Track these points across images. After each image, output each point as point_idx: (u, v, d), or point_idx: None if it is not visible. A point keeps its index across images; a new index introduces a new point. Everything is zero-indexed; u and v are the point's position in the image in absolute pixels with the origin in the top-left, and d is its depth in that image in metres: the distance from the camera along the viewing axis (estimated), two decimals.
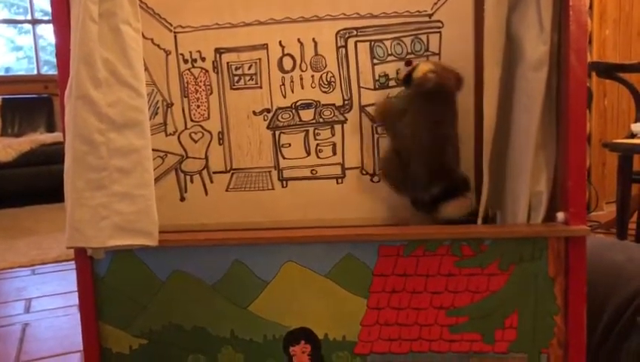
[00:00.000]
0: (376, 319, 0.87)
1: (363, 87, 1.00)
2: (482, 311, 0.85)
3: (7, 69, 5.08)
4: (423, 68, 0.90)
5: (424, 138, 0.91)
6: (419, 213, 0.95)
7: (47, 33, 5.11)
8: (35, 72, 5.00)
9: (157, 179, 0.99)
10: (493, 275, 0.84)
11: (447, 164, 0.91)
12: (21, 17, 5.08)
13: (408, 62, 0.97)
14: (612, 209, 2.82)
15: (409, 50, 0.99)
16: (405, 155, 0.93)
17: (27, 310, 1.84)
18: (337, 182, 1.02)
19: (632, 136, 2.02)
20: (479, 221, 0.90)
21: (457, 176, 0.93)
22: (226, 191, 1.03)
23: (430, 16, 0.99)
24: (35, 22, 5.02)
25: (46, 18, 5.04)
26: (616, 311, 0.94)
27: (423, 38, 0.99)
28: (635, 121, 2.19)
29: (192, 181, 1.03)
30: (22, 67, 5.17)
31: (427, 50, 0.99)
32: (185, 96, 1.01)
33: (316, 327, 0.88)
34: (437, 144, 0.91)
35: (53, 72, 4.89)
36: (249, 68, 1.00)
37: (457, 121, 0.93)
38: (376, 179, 1.00)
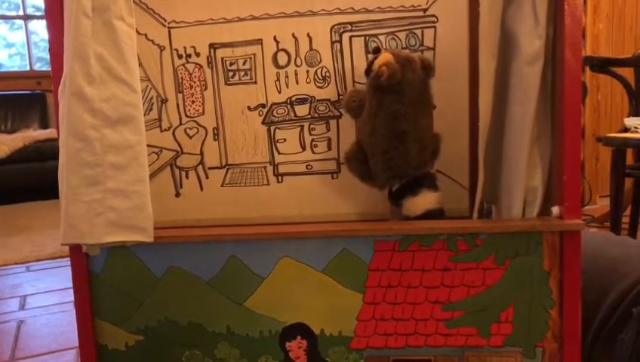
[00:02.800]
0: (372, 314, 0.87)
1: (358, 82, 0.99)
2: (478, 305, 0.85)
3: (0, 66, 5.05)
4: (380, 60, 0.87)
5: (381, 134, 0.88)
6: (394, 208, 0.95)
7: (40, 29, 5.08)
8: (28, 68, 4.97)
9: (152, 175, 0.99)
10: (488, 270, 0.85)
11: (409, 159, 0.89)
12: (13, 13, 5.05)
13: (375, 50, 0.94)
14: (606, 203, 2.84)
15: (404, 45, 0.99)
16: (367, 149, 0.92)
17: (22, 307, 1.83)
18: (333, 177, 1.02)
19: (626, 130, 2.02)
20: (475, 215, 0.91)
21: (422, 172, 0.91)
22: (222, 186, 1.02)
23: (425, 10, 0.98)
24: (27, 17, 4.99)
25: (38, 14, 5.01)
26: (612, 304, 0.95)
27: (418, 32, 0.99)
28: (629, 115, 2.20)
29: (187, 176, 1.02)
30: (14, 64, 5.14)
31: (422, 44, 0.99)
32: (179, 92, 1.01)
33: (312, 323, 0.88)
34: (395, 140, 0.88)
35: (46, 68, 4.88)
36: (244, 63, 1.00)
37: (427, 111, 0.91)
38: None
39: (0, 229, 3.12)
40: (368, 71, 0.90)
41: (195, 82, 1.01)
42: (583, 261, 0.84)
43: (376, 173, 0.92)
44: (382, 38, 0.99)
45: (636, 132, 1.93)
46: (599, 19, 3.18)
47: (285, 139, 1.02)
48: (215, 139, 1.02)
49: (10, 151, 3.88)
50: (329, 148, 1.01)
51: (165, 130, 1.01)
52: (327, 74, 1.00)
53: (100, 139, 0.81)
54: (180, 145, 1.02)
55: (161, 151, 1.02)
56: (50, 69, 0.87)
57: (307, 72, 1.00)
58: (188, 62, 1.00)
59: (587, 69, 2.45)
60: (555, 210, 0.84)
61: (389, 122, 0.88)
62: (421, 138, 0.89)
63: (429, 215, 0.90)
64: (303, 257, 0.87)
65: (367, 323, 0.87)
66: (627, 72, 2.24)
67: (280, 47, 0.99)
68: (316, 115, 1.01)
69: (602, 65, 2.21)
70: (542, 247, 0.84)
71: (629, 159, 2.11)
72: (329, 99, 1.00)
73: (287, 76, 1.00)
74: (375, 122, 0.89)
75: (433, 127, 0.93)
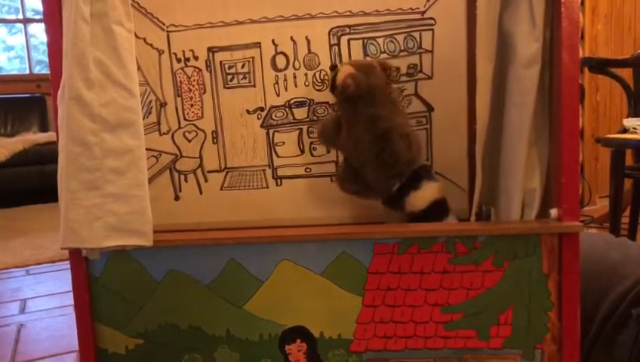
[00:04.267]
0: (371, 317, 0.87)
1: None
2: (477, 307, 0.86)
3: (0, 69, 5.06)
4: (342, 73, 0.89)
5: (366, 140, 0.90)
6: (392, 211, 0.95)
7: (39, 32, 5.08)
8: (28, 72, 4.97)
9: (151, 179, 1.00)
10: (487, 272, 0.85)
11: (400, 156, 0.89)
12: (12, 17, 5.05)
13: (333, 67, 0.96)
14: (605, 203, 2.84)
15: (402, 48, 1.00)
16: (357, 163, 0.93)
17: (22, 311, 1.83)
18: (332, 180, 1.02)
19: (625, 131, 2.02)
20: (473, 217, 0.91)
21: (416, 164, 0.92)
22: (221, 190, 1.03)
23: (423, 13, 0.99)
24: (26, 21, 4.99)
25: (37, 17, 5.01)
26: (612, 305, 0.95)
27: (416, 35, 0.99)
28: (627, 116, 2.20)
29: (186, 180, 1.03)
30: (14, 67, 5.14)
31: (420, 47, 1.00)
32: (178, 96, 1.01)
33: (312, 326, 0.88)
34: (381, 141, 0.89)
35: (46, 71, 4.87)
36: (242, 66, 1.00)
37: (399, 110, 0.92)
38: None
39: (0, 233, 3.12)
40: (332, 88, 0.92)
41: (193, 86, 1.01)
42: (582, 263, 0.84)
43: (373, 181, 0.92)
44: (380, 40, 1.00)
45: (635, 133, 1.93)
46: (598, 20, 3.18)
47: (284, 142, 1.02)
48: (214, 143, 1.02)
49: (9, 155, 3.88)
50: (328, 150, 1.01)
51: (164, 133, 1.02)
52: (326, 77, 1.00)
53: (99, 144, 0.82)
54: (179, 149, 1.02)
55: (160, 154, 1.02)
56: (49, 72, 0.88)
57: (306, 75, 1.00)
58: (187, 65, 1.00)
59: (586, 69, 2.45)
60: (554, 212, 0.85)
61: (369, 127, 0.89)
62: (405, 134, 0.90)
63: (435, 206, 0.91)
64: (303, 260, 0.87)
65: (367, 325, 0.87)
66: (626, 73, 2.24)
67: (278, 51, 1.00)
68: (315, 118, 1.01)
69: (601, 66, 2.21)
70: (540, 249, 0.84)
71: (629, 160, 2.11)
72: (328, 102, 1.00)
73: (285, 79, 1.00)
74: (356, 132, 0.90)
75: (408, 122, 0.94)
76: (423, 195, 0.91)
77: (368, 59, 0.92)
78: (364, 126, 0.89)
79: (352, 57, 0.99)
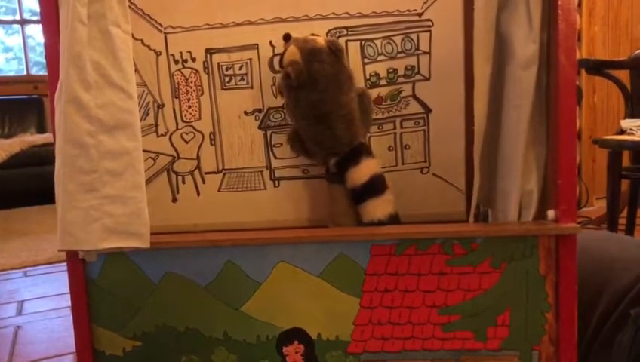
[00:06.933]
0: (369, 318, 0.87)
1: None
2: (474, 309, 0.86)
3: None
4: (286, 58, 0.90)
5: (304, 122, 0.92)
6: (334, 190, 0.96)
7: (37, 33, 5.07)
8: (25, 73, 4.97)
9: (149, 180, 0.99)
10: (484, 273, 0.85)
11: (339, 138, 0.91)
12: (9, 18, 5.05)
13: (286, 37, 0.95)
14: (602, 204, 2.84)
15: (399, 49, 1.00)
16: (300, 133, 0.94)
17: (19, 312, 1.83)
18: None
19: (622, 132, 2.03)
20: (471, 219, 0.91)
21: (356, 143, 0.92)
22: (218, 191, 1.03)
23: (420, 15, 0.99)
24: (23, 22, 4.99)
25: (35, 18, 5.00)
26: (609, 304, 0.95)
27: (413, 37, 0.99)
28: (625, 118, 2.20)
29: (183, 182, 1.03)
30: (11, 68, 5.14)
31: (417, 48, 1.00)
32: (176, 97, 1.01)
33: (309, 327, 0.88)
34: (320, 125, 0.90)
35: (43, 72, 4.85)
36: (240, 68, 1.00)
37: (346, 88, 0.91)
38: None
39: None
40: (281, 62, 0.92)
41: (191, 87, 1.01)
42: (579, 258, 0.84)
43: (313, 152, 0.95)
44: (377, 42, 1.00)
45: (632, 134, 1.94)
46: (595, 22, 3.19)
47: (282, 144, 1.02)
48: (212, 144, 1.02)
49: (7, 156, 3.88)
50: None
51: (162, 135, 1.02)
52: None
53: (96, 146, 0.81)
54: (176, 150, 1.02)
55: (158, 156, 1.02)
56: (47, 73, 0.87)
57: None
58: (184, 67, 1.00)
59: (583, 71, 2.46)
60: (551, 213, 0.85)
61: (309, 111, 0.90)
62: (346, 114, 0.91)
63: (374, 180, 0.91)
64: (300, 262, 0.87)
65: (364, 327, 0.87)
66: (623, 75, 2.24)
67: (276, 52, 0.99)
68: None
69: (598, 68, 2.21)
70: (538, 251, 0.84)
71: (626, 161, 2.11)
72: None
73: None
74: (296, 114, 0.92)
75: (356, 96, 0.93)
76: (364, 169, 0.92)
77: (319, 39, 0.91)
78: (304, 110, 0.91)
79: (350, 59, 0.98)
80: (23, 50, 4.98)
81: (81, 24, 0.80)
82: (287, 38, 0.94)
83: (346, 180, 0.92)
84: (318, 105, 0.89)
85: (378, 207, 0.91)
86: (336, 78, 0.90)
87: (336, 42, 0.92)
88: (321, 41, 0.91)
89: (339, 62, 0.91)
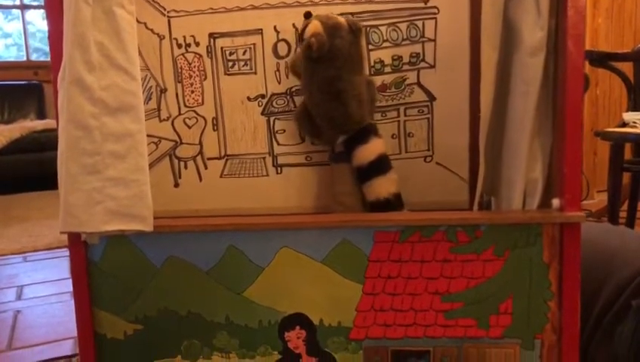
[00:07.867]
0: (371, 304, 0.87)
1: None
2: (477, 296, 0.85)
3: None
4: (309, 30, 0.91)
5: (319, 97, 0.92)
6: (335, 165, 0.98)
7: (36, 19, 5.04)
8: (25, 59, 4.95)
9: (151, 165, 0.99)
10: (488, 261, 0.85)
11: (351, 117, 0.92)
12: (9, 3, 5.02)
13: (307, 15, 0.96)
14: (603, 197, 2.84)
15: (404, 36, 0.99)
16: (311, 109, 0.95)
17: (19, 297, 1.83)
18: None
19: (624, 125, 2.02)
20: (475, 207, 0.91)
21: (365, 124, 0.94)
22: (221, 177, 1.02)
23: (426, 2, 0.98)
24: (23, 7, 4.96)
25: (35, 3, 4.98)
26: (610, 295, 0.95)
27: (419, 24, 0.99)
28: (627, 110, 2.19)
29: (186, 167, 1.02)
30: (11, 54, 5.11)
31: (423, 36, 0.99)
32: (179, 82, 1.00)
33: (311, 313, 0.88)
34: (335, 101, 0.91)
35: (43, 58, 4.85)
36: (243, 53, 1.00)
37: (359, 68, 0.93)
38: None
39: None
40: (301, 37, 0.94)
41: (194, 72, 1.00)
42: (582, 250, 0.84)
43: (323, 129, 0.95)
44: (382, 29, 0.99)
45: (635, 127, 1.93)
46: (599, 14, 3.18)
47: (285, 130, 1.01)
48: (214, 130, 1.01)
49: (6, 142, 3.87)
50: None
51: (164, 120, 1.01)
52: None
53: (99, 128, 0.81)
54: (179, 136, 1.01)
55: (160, 141, 1.01)
56: (47, 59, 0.87)
57: None
58: (187, 51, 1.00)
59: (587, 63, 2.45)
60: (556, 202, 0.84)
61: (324, 87, 0.91)
62: (358, 94, 0.92)
63: (381, 158, 0.93)
64: (303, 247, 0.87)
65: (367, 313, 0.87)
66: (626, 67, 2.23)
67: (280, 37, 0.99)
68: None
69: (601, 60, 2.20)
70: (542, 239, 0.84)
71: (627, 154, 2.11)
72: None
73: (287, 66, 1.00)
74: (312, 88, 0.93)
75: (365, 80, 0.95)
76: (371, 148, 0.93)
77: (341, 18, 0.92)
78: (320, 85, 0.91)
79: None
80: (22, 36, 4.95)
81: (85, 4, 0.79)
82: (307, 15, 0.95)
83: (353, 158, 0.93)
84: (335, 81, 0.90)
85: (383, 186, 0.92)
86: (352, 57, 0.92)
87: (356, 22, 0.93)
88: (341, 19, 0.92)
89: (357, 42, 0.92)
